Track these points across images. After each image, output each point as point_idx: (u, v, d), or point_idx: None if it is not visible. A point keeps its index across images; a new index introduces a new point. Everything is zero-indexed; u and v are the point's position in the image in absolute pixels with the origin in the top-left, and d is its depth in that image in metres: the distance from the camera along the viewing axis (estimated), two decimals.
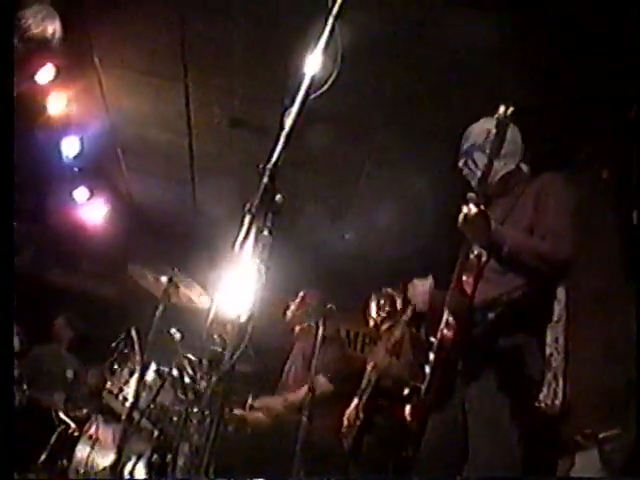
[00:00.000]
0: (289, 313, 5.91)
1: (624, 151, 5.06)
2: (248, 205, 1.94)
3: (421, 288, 3.59)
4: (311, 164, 6.98)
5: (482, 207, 2.89)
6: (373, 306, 6.07)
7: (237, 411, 5.37)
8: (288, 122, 2.11)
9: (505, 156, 3.40)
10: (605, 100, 5.16)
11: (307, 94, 2.17)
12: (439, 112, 5.93)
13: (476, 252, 3.28)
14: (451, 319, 3.23)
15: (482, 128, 3.45)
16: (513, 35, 4.87)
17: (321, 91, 2.21)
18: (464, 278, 3.26)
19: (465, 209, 2.92)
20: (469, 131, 3.53)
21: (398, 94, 5.90)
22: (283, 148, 2.06)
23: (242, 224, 1.91)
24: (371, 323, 6.13)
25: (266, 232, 1.94)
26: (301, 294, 5.93)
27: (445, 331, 3.25)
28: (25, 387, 5.97)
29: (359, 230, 8.42)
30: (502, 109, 2.87)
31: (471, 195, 2.92)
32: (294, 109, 2.13)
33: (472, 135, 3.49)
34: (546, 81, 5.23)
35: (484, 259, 3.24)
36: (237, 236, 1.89)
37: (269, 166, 2.00)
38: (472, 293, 3.20)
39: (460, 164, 3.52)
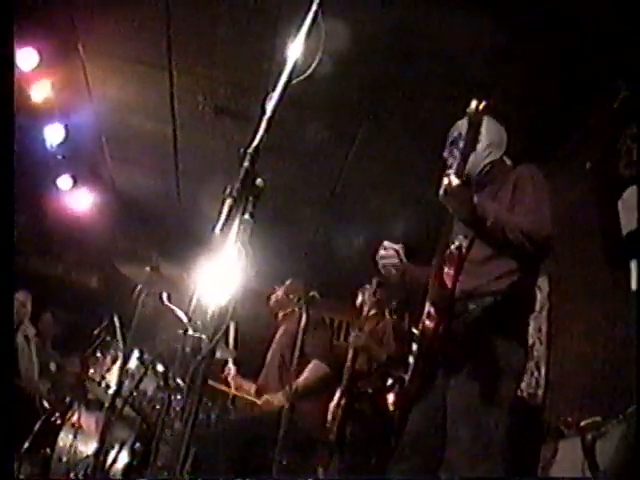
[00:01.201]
0: (274, 298, 5.91)
1: (608, 141, 5.08)
2: (229, 188, 1.94)
3: (392, 251, 3.57)
4: (292, 151, 6.99)
5: (464, 179, 2.91)
6: (364, 295, 6.07)
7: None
8: (270, 107, 2.11)
9: (489, 146, 3.45)
10: (590, 91, 5.17)
11: (289, 79, 2.17)
12: (427, 103, 5.93)
13: (457, 243, 3.30)
14: (432, 310, 3.25)
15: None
16: (499, 25, 4.87)
17: (303, 76, 2.21)
18: (445, 270, 3.28)
19: (446, 180, 2.92)
20: (457, 123, 3.54)
21: (385, 84, 5.90)
22: (264, 132, 2.06)
23: (223, 208, 1.91)
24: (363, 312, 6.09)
25: (247, 215, 1.94)
26: (288, 282, 5.93)
27: (427, 322, 3.27)
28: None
29: (343, 219, 8.45)
30: (474, 104, 2.86)
31: (452, 169, 2.95)
32: (276, 94, 2.13)
33: (459, 126, 3.49)
34: (532, 71, 5.24)
35: (464, 251, 3.26)
36: (218, 219, 1.88)
37: (250, 150, 2.00)
38: (453, 284, 3.22)
39: (445, 154, 3.54)
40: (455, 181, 2.88)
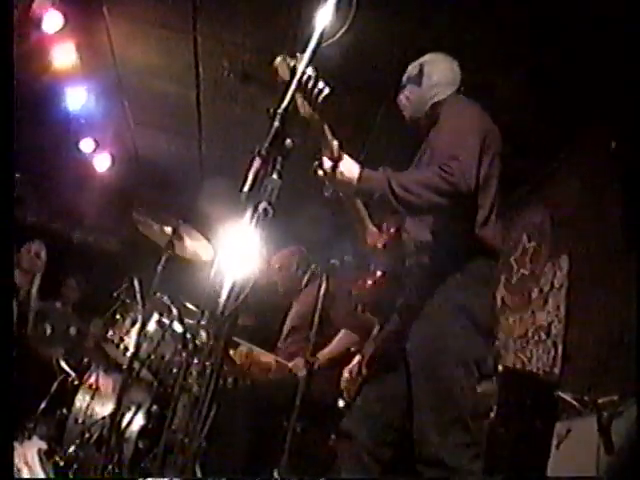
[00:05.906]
0: (275, 277, 5.71)
1: (633, 121, 5.03)
2: (258, 147, 1.92)
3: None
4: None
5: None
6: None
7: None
8: (300, 67, 2.09)
9: (436, 86, 3.28)
10: (616, 69, 5.10)
11: (319, 42, 2.14)
12: None
13: None
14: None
15: (417, 62, 3.39)
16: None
17: (334, 39, 2.18)
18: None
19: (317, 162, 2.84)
20: (409, 67, 3.44)
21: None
22: (294, 93, 2.04)
23: (251, 167, 1.89)
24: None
25: (275, 175, 1.92)
26: (280, 255, 5.71)
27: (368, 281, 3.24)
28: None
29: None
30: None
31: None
32: (306, 55, 2.11)
33: (408, 69, 3.42)
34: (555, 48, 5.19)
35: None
36: (245, 179, 1.87)
37: (280, 110, 1.99)
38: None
39: (399, 97, 3.43)
40: (327, 164, 2.80)
